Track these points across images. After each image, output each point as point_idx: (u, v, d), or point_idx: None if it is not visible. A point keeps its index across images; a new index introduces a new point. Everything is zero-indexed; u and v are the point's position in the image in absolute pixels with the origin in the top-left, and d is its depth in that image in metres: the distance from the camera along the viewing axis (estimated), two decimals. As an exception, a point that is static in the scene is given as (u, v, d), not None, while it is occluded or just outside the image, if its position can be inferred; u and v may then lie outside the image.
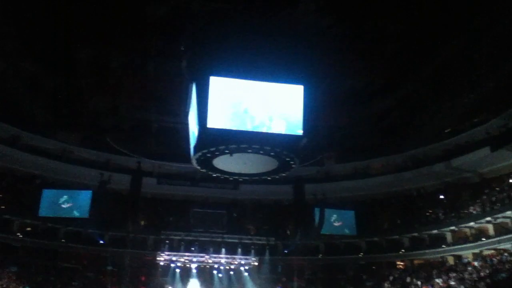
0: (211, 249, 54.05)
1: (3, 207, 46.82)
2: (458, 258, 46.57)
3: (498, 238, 42.64)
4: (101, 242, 52.09)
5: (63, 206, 48.01)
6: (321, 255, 56.27)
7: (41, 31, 29.19)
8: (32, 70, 34.60)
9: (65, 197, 48.05)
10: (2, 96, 38.93)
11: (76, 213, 48.25)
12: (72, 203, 48.24)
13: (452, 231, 48.07)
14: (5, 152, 46.96)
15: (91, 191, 49.19)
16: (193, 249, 53.81)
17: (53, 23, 28.17)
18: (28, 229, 48.98)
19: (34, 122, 45.26)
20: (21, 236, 47.26)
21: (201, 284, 52.88)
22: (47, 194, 48.05)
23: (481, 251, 44.20)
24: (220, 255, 53.83)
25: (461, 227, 47.04)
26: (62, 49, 30.48)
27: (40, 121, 44.32)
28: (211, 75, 27.14)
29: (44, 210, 47.30)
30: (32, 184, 50.88)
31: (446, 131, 46.50)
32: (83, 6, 26.42)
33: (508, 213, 42.02)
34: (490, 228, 44.32)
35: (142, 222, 54.89)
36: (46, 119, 43.10)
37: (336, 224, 53.04)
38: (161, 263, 52.52)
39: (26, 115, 43.35)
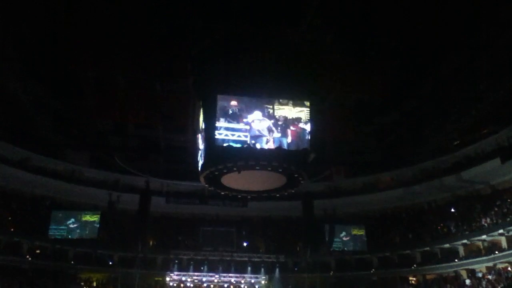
0: (221, 268, 53.61)
1: (12, 229, 46.69)
2: (472, 272, 45.80)
3: (511, 251, 41.93)
4: (111, 263, 51.77)
5: (72, 227, 48.02)
6: (332, 271, 55.57)
7: (47, 53, 29.57)
8: (39, 92, 34.95)
9: (74, 218, 48.08)
10: (12, 118, 39.32)
11: (85, 234, 48.24)
12: (81, 224, 48.24)
13: (464, 244, 47.40)
14: (15, 174, 47.26)
15: (100, 212, 49.36)
16: (202, 268, 53.39)
17: (59, 45, 28.55)
18: (38, 251, 48.79)
19: (43, 144, 45.61)
20: (30, 258, 47.05)
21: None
22: (56, 215, 48.14)
23: (494, 264, 43.46)
24: (230, 274, 53.37)
25: (474, 240, 46.38)
26: (68, 70, 30.84)
27: (49, 143, 44.64)
28: (218, 94, 27.30)
29: (53, 232, 47.38)
30: (42, 206, 50.95)
31: (455, 143, 46.24)
32: (87, 27, 26.80)
33: (521, 225, 41.41)
34: (503, 241, 43.63)
35: (151, 242, 54.62)
36: (55, 140, 43.42)
37: (346, 239, 52.59)
38: (171, 283, 52.12)
39: (36, 137, 43.68)
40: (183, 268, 53.25)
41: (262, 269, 53.83)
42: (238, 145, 26.97)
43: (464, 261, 46.52)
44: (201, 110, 29.08)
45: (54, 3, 25.26)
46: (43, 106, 37.38)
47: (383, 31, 27.31)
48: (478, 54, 30.05)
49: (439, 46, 29.04)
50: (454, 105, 37.01)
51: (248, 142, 27.08)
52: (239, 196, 37.81)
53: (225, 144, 26.78)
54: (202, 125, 29.41)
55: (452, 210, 51.15)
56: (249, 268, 53.74)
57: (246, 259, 54.47)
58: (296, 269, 55.39)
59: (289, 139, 27.84)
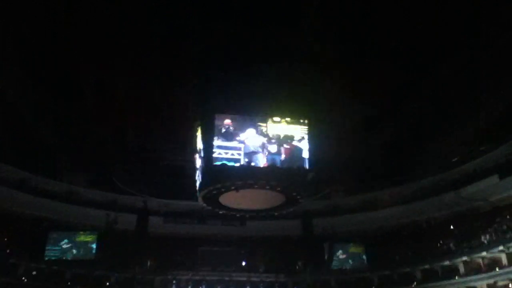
0: (219, 288, 53.03)
1: (8, 251, 46.20)
2: (473, 290, 45.40)
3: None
4: (108, 284, 51.09)
5: (66, 247, 47.71)
6: (332, 290, 54.99)
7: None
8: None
9: (68, 239, 47.78)
10: (8, 139, 39.21)
11: (80, 255, 47.86)
12: (76, 245, 47.92)
13: (464, 261, 47.02)
14: (12, 195, 46.92)
15: (96, 232, 49.05)
16: (201, 288, 52.84)
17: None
18: (34, 273, 48.16)
19: (41, 165, 45.43)
20: (26, 280, 46.42)
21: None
22: (53, 237, 47.81)
23: (495, 282, 43.07)
24: (229, 294, 52.80)
25: (474, 257, 46.04)
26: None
27: (47, 163, 44.48)
28: (216, 113, 27.41)
29: (49, 253, 46.95)
30: (38, 227, 50.50)
31: (453, 160, 46.26)
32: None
33: (521, 241, 41.17)
34: (504, 258, 43.31)
35: (149, 262, 54.05)
36: (53, 157, 43.22)
37: (346, 258, 52.28)
38: (169, 304, 51.49)
39: (33, 156, 43.54)
40: (181, 289, 52.61)
41: (262, 289, 53.25)
42: (232, 163, 27.00)
43: (465, 279, 46.11)
44: (199, 130, 29.12)
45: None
46: (43, 117, 37.28)
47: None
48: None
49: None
50: (454, 114, 37.01)
51: (242, 160, 27.12)
52: (238, 216, 37.60)
53: (218, 163, 26.82)
54: (199, 144, 29.44)
55: (452, 227, 50.91)
56: (248, 288, 53.14)
57: (245, 278, 53.91)
58: (296, 288, 54.83)
59: (283, 157, 27.90)
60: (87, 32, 27.28)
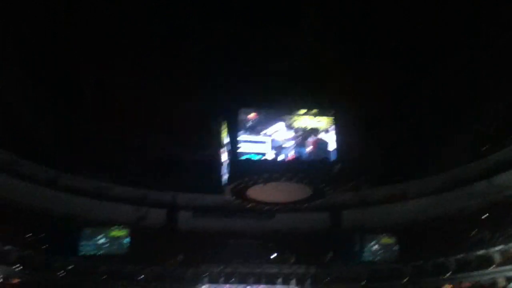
0: (251, 280, 53.23)
1: (44, 246, 47.46)
2: (509, 279, 44.29)
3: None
4: (140, 278, 51.97)
5: (100, 243, 48.73)
6: (364, 282, 54.52)
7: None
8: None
9: (102, 234, 48.75)
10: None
11: (113, 250, 48.83)
12: (109, 240, 48.88)
13: (500, 251, 45.92)
14: (43, 193, 48.12)
15: (128, 228, 49.90)
16: (233, 280, 53.14)
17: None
18: (70, 267, 49.22)
19: (71, 163, 46.33)
20: (64, 274, 47.56)
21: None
22: (86, 233, 48.92)
23: (531, 271, 42.00)
24: (260, 286, 52.95)
25: (509, 246, 44.88)
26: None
27: (76, 162, 45.31)
28: (240, 108, 27.42)
29: (83, 248, 48.13)
30: (73, 224, 51.60)
31: (483, 148, 45.21)
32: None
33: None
34: (541, 247, 42.16)
35: (180, 256, 54.66)
36: (81, 159, 43.97)
37: (376, 249, 51.87)
38: (202, 296, 52.04)
39: (62, 156, 44.39)
40: (213, 281, 53.05)
41: (293, 281, 53.22)
42: (259, 157, 27.02)
43: (501, 268, 45.08)
44: (224, 125, 29.18)
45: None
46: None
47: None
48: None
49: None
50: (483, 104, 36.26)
51: (268, 154, 27.08)
52: (265, 208, 37.67)
53: (245, 157, 26.87)
54: (225, 139, 29.51)
55: (485, 216, 49.71)
56: (279, 280, 53.20)
57: (277, 270, 53.99)
58: (327, 279, 54.56)
59: (309, 150, 27.74)
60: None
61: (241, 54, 27.26)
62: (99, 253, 49.34)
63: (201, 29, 26.65)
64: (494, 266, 45.83)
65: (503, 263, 45.38)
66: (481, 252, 47.35)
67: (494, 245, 46.03)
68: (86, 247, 49.25)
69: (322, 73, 28.13)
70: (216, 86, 29.50)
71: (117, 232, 50.60)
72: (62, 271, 48.23)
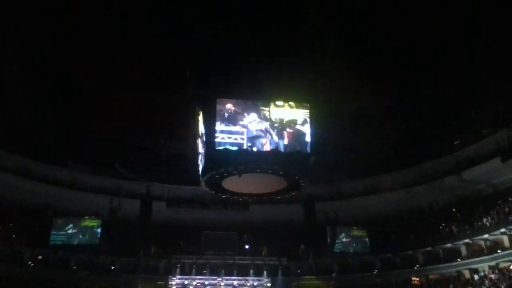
0: (223, 272, 53.38)
1: (13, 236, 46.50)
2: (475, 271, 45.60)
3: (514, 250, 41.71)
4: (113, 268, 51.51)
5: (71, 232, 48.15)
6: (334, 274, 55.34)
7: (47, 54, 29.66)
8: (40, 93, 34.92)
9: (73, 224, 48.17)
10: (12, 127, 39.31)
11: (85, 240, 48.30)
12: (81, 230, 48.32)
13: (466, 244, 47.20)
14: (15, 184, 47.16)
15: (101, 218, 49.35)
16: (205, 272, 53.17)
17: (59, 45, 28.68)
18: (39, 257, 48.36)
19: (44, 152, 45.55)
20: (32, 264, 46.66)
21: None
22: (57, 223, 48.19)
23: (497, 264, 43.26)
24: (232, 277, 53.16)
25: (476, 240, 46.19)
26: (68, 70, 30.95)
27: (50, 151, 44.59)
28: (217, 98, 27.41)
29: (54, 238, 47.49)
30: (43, 214, 50.74)
31: (455, 143, 46.22)
32: (88, 27, 26.91)
33: (523, 223, 41.22)
34: (506, 240, 43.41)
35: (153, 248, 54.43)
36: (56, 148, 43.36)
37: (347, 241, 52.71)
38: (174, 288, 51.91)
39: (35, 143, 43.65)
40: (185, 273, 52.99)
41: (265, 272, 53.58)
42: (234, 148, 27.10)
43: (467, 261, 46.34)
44: (201, 115, 29.14)
45: (54, 3, 25.38)
46: (43, 117, 37.37)
47: (383, 31, 27.47)
48: (478, 54, 30.18)
49: (439, 46, 29.19)
50: (454, 105, 37.11)
51: (244, 144, 27.18)
52: (240, 200, 37.78)
53: (221, 147, 26.92)
54: (201, 129, 29.48)
55: (454, 210, 51.01)
56: (251, 271, 53.51)
57: (249, 262, 54.28)
58: (298, 272, 55.18)
59: (286, 141, 27.93)
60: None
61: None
62: (70, 243, 48.62)
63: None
64: (459, 259, 47.11)
65: (469, 256, 46.69)
66: (448, 245, 48.58)
67: (461, 239, 47.25)
68: (57, 238, 48.48)
69: (300, 66, 28.29)
70: (194, 77, 29.42)
71: (89, 223, 50.01)
72: (32, 262, 47.42)
